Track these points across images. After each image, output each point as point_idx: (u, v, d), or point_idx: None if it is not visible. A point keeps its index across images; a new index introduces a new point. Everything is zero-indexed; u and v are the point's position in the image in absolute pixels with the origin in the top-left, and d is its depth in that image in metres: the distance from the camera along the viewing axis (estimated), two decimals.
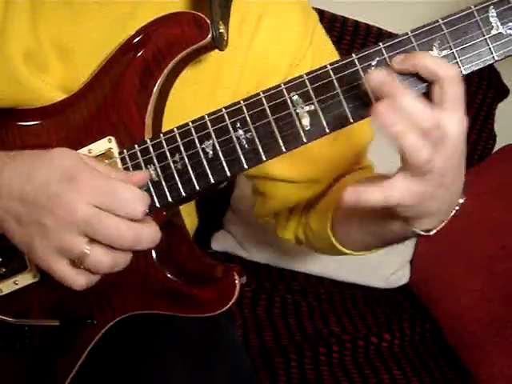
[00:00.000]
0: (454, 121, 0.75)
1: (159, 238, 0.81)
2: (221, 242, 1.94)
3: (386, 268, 1.96)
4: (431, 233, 0.88)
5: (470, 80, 2.09)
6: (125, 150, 0.87)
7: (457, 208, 0.87)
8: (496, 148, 2.23)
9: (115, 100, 0.88)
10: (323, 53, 1.00)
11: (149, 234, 0.80)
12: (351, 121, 0.81)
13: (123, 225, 0.77)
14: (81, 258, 0.78)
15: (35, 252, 0.80)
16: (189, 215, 1.16)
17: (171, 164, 0.85)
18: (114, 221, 0.77)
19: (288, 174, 1.08)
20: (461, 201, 0.87)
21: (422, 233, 0.87)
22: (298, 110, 0.81)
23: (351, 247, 1.07)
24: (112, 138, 0.87)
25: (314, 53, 1.03)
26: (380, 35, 2.03)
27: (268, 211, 1.21)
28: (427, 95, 0.77)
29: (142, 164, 0.86)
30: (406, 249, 1.98)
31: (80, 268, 0.79)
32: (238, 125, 0.82)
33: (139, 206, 0.78)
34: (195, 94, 0.99)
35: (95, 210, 0.77)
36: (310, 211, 1.15)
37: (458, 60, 0.79)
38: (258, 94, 0.82)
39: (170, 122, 0.87)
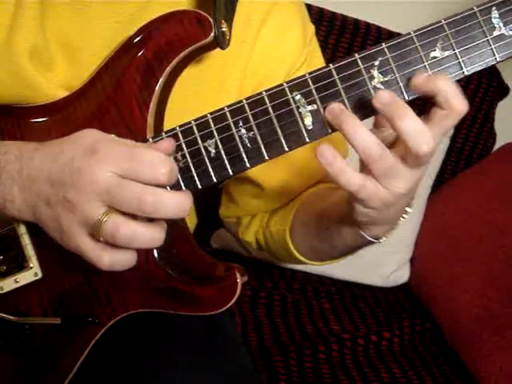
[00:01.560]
0: (435, 139, 0.78)
1: (188, 208, 0.79)
2: (220, 240, 1.94)
3: (385, 267, 1.96)
4: (380, 240, 0.92)
5: (469, 79, 2.09)
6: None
7: (405, 217, 0.90)
8: (496, 147, 2.23)
9: (117, 98, 0.88)
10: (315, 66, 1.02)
11: (172, 201, 0.77)
12: None
13: (143, 190, 0.75)
14: (98, 227, 0.76)
15: (63, 232, 0.79)
16: (189, 213, 1.16)
17: None
18: (133, 186, 0.75)
19: (260, 175, 1.10)
20: (409, 210, 0.89)
21: (372, 239, 0.91)
22: (300, 110, 0.81)
23: (306, 254, 1.09)
24: (114, 136, 0.87)
25: (307, 66, 1.05)
26: (380, 34, 2.03)
27: (231, 214, 1.23)
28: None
29: None
30: (406, 247, 1.99)
31: (100, 240, 0.77)
32: (241, 123, 0.82)
33: (162, 169, 0.76)
34: (198, 94, 0.99)
35: (116, 177, 0.75)
36: (271, 214, 1.17)
37: (460, 60, 0.79)
38: (260, 93, 0.82)
39: (173, 122, 0.87)
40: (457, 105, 0.76)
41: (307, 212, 1.08)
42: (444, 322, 1.84)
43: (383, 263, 1.95)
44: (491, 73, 2.13)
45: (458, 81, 0.79)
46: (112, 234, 0.76)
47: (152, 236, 0.78)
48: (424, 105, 0.76)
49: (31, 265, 0.90)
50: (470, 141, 2.19)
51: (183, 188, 0.85)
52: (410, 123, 0.75)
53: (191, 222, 1.21)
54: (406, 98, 0.80)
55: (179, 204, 0.78)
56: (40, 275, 0.90)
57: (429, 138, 0.75)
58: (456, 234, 1.97)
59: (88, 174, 0.76)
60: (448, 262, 1.92)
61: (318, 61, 1.10)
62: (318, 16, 1.99)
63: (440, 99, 0.76)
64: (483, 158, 2.20)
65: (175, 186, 0.84)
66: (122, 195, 0.75)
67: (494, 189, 2.02)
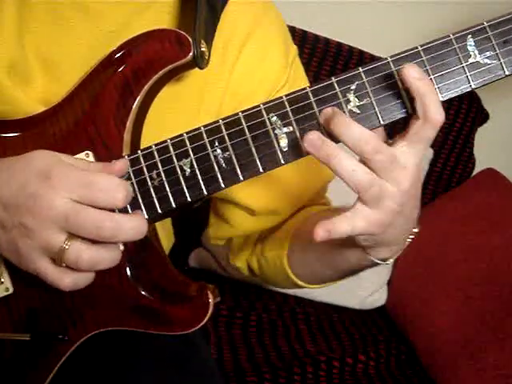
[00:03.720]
0: (415, 155, 0.78)
1: (145, 230, 0.80)
2: (198, 259, 1.94)
3: (363, 289, 1.96)
4: (388, 262, 0.90)
5: (450, 104, 2.11)
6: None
7: (411, 237, 0.89)
8: (475, 172, 2.25)
9: (94, 115, 0.88)
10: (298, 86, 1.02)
11: (130, 224, 0.78)
12: None
13: (101, 215, 0.76)
14: (60, 254, 0.77)
15: (21, 256, 0.79)
16: (165, 232, 1.16)
17: (148, 180, 0.85)
18: (91, 212, 0.76)
19: (250, 200, 1.09)
20: (415, 230, 0.89)
21: (380, 262, 0.90)
22: (276, 131, 0.81)
23: (305, 278, 1.08)
24: (90, 153, 0.87)
25: (290, 87, 1.04)
26: (362, 57, 2.05)
27: (222, 236, 1.22)
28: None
29: None
30: (384, 271, 1.99)
31: (62, 266, 0.78)
32: (216, 143, 0.82)
33: (118, 194, 0.77)
34: (177, 113, 0.99)
35: (72, 203, 0.76)
36: (265, 240, 1.15)
37: (436, 87, 0.80)
38: (236, 114, 0.82)
39: (150, 139, 0.87)
40: (435, 114, 0.77)
41: (305, 237, 1.05)
42: (420, 346, 1.85)
43: (360, 286, 1.95)
44: (471, 99, 2.15)
45: None
46: (75, 261, 0.77)
47: (112, 257, 0.80)
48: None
49: (2, 280, 0.89)
50: (450, 165, 2.20)
51: (157, 206, 0.85)
52: (350, 130, 0.76)
53: (168, 241, 1.21)
54: (382, 122, 0.80)
55: (136, 228, 0.79)
56: (11, 290, 0.89)
57: (369, 136, 0.76)
58: (434, 257, 1.98)
59: (44, 201, 0.76)
60: (425, 285, 1.93)
61: (301, 81, 1.10)
62: (302, 38, 2.01)
63: (420, 108, 0.77)
64: (462, 182, 2.22)
65: (148, 204, 0.85)
66: (80, 222, 0.76)
67: (472, 213, 2.04)
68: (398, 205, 0.79)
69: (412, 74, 0.76)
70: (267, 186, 0.95)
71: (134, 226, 0.79)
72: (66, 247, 0.77)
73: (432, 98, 0.76)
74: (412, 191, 0.80)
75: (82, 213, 0.76)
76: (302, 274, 1.07)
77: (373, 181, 0.76)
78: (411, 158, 0.78)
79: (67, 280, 0.80)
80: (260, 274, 1.19)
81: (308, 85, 0.82)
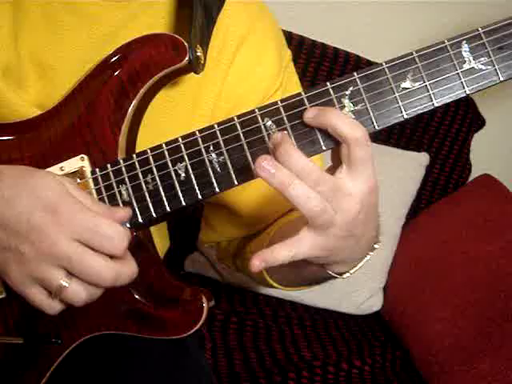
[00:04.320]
0: (357, 180, 0.77)
1: (137, 273, 0.81)
2: (194, 264, 1.94)
3: (358, 295, 1.96)
4: (344, 276, 0.91)
5: (446, 110, 2.11)
6: (97, 170, 0.86)
7: (371, 253, 0.89)
8: (471, 178, 2.25)
9: (89, 118, 0.88)
10: (290, 92, 1.02)
11: (128, 272, 0.80)
12: (323, 149, 0.81)
13: (104, 265, 0.77)
14: (58, 291, 0.77)
15: (9, 276, 0.79)
16: (160, 236, 1.16)
17: (143, 185, 0.85)
18: (95, 261, 0.76)
19: (235, 201, 1.10)
20: (376, 246, 0.90)
21: (337, 276, 0.90)
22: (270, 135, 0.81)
23: (279, 281, 1.09)
24: (85, 157, 0.87)
25: (283, 92, 1.05)
26: (359, 63, 2.05)
27: (209, 240, 1.24)
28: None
29: (114, 184, 0.85)
30: (379, 276, 1.99)
31: (55, 299, 0.78)
32: (211, 148, 0.82)
33: (121, 244, 0.77)
34: (172, 117, 0.99)
35: (77, 246, 0.76)
36: (249, 240, 1.17)
37: (430, 93, 0.80)
38: (232, 119, 0.82)
39: (146, 144, 0.87)
40: (350, 133, 0.75)
41: (279, 241, 1.07)
42: (415, 351, 1.84)
43: (356, 291, 1.95)
44: (468, 105, 2.16)
45: (436, 110, 0.80)
46: (72, 299, 0.78)
47: (102, 291, 0.81)
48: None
49: None
50: (446, 171, 2.21)
51: (152, 210, 0.85)
52: (293, 159, 0.75)
53: (163, 246, 1.21)
54: (376, 127, 0.80)
55: (132, 274, 0.80)
56: (4, 294, 0.89)
57: (311, 167, 0.75)
58: (429, 263, 1.98)
59: (48, 237, 0.76)
60: (420, 291, 1.93)
61: (294, 86, 1.10)
62: (299, 44, 2.01)
63: (332, 132, 0.76)
64: (458, 188, 2.22)
65: (143, 208, 0.85)
66: (83, 267, 0.76)
67: (467, 219, 2.04)
68: (345, 231, 0.79)
69: (306, 116, 0.78)
70: (252, 188, 0.95)
71: (132, 273, 0.80)
72: (66, 285, 0.77)
73: (337, 122, 0.76)
74: (361, 216, 0.79)
75: (87, 259, 0.76)
76: (275, 277, 1.08)
77: (324, 209, 0.76)
78: (355, 183, 0.77)
79: (55, 309, 0.80)
80: (243, 272, 1.22)
81: (301, 90, 0.82)
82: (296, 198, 0.75)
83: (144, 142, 0.88)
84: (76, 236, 0.76)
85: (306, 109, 0.80)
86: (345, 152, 0.77)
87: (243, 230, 1.17)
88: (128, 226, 0.85)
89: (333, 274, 0.90)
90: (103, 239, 0.76)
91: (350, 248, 0.83)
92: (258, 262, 0.78)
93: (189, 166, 0.83)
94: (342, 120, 0.76)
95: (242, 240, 1.19)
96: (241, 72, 1.02)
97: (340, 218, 0.77)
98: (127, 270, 0.80)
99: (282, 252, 0.79)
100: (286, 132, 0.80)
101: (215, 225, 1.18)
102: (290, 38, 1.98)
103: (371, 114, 0.80)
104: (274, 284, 1.10)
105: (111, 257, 0.78)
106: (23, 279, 0.78)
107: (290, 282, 1.08)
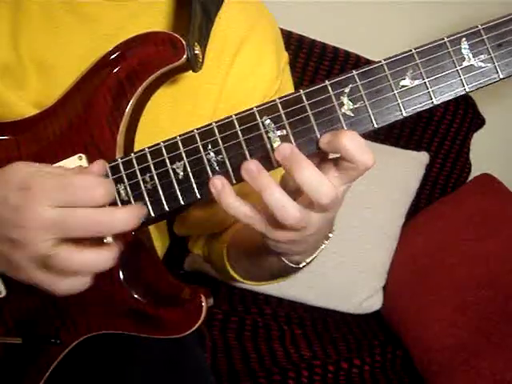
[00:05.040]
0: (339, 182, 0.78)
1: (138, 220, 0.79)
2: (194, 264, 1.93)
3: (358, 294, 1.96)
4: (300, 265, 0.93)
5: (446, 109, 2.11)
6: None
7: (326, 242, 0.91)
8: (471, 177, 2.25)
9: (87, 117, 0.88)
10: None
11: (124, 215, 0.78)
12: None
13: (90, 213, 0.76)
14: (50, 261, 0.76)
15: (15, 268, 0.79)
16: (160, 235, 1.16)
17: (141, 183, 0.84)
18: (78, 213, 0.76)
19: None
20: (330, 235, 0.91)
21: (292, 265, 0.92)
22: (269, 134, 0.81)
23: (242, 274, 1.10)
24: (83, 156, 0.87)
25: (279, 93, 1.04)
26: (358, 61, 2.05)
27: (180, 233, 1.26)
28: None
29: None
30: (379, 275, 1.99)
31: (52, 272, 0.78)
32: (210, 146, 0.82)
33: (96, 191, 0.76)
34: (171, 116, 0.99)
35: (57, 210, 0.75)
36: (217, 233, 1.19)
37: (429, 90, 0.79)
38: (230, 117, 0.82)
39: (145, 142, 0.86)
40: (360, 160, 0.75)
41: (241, 234, 1.09)
42: (415, 351, 1.84)
43: (356, 290, 1.95)
44: (467, 104, 2.16)
45: (436, 110, 0.79)
46: (66, 265, 0.77)
47: (105, 259, 0.78)
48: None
49: None
50: (445, 171, 2.21)
51: (150, 209, 0.84)
52: (309, 176, 0.75)
53: (162, 244, 1.21)
54: (376, 125, 0.80)
55: (128, 217, 0.79)
56: (3, 293, 0.89)
57: (328, 189, 0.75)
58: (429, 262, 1.97)
59: (27, 212, 0.75)
60: (420, 290, 1.92)
61: (289, 89, 1.11)
62: (298, 43, 2.01)
63: (344, 156, 0.76)
64: (458, 187, 2.22)
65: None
66: (68, 224, 0.76)
67: (467, 218, 2.04)
68: (317, 229, 0.80)
69: (321, 141, 0.79)
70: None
71: (125, 216, 0.78)
72: (54, 253, 0.76)
73: (354, 150, 0.75)
74: (331, 216, 0.81)
75: (70, 215, 0.76)
76: (237, 268, 1.10)
77: (301, 219, 0.76)
78: (339, 189, 0.78)
79: (61, 286, 0.79)
80: (212, 265, 1.23)
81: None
82: (272, 203, 0.75)
83: (142, 142, 0.88)
84: (52, 201, 0.75)
85: (304, 106, 0.80)
86: (345, 167, 0.76)
87: (212, 228, 1.18)
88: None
89: (289, 264, 0.91)
90: (78, 192, 0.76)
91: (311, 241, 0.84)
92: (219, 182, 0.78)
93: (187, 165, 0.83)
94: (358, 145, 0.75)
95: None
96: (241, 73, 1.02)
97: (317, 219, 0.79)
98: (121, 213, 0.78)
99: (242, 206, 0.79)
100: (287, 135, 0.80)
101: (189, 220, 1.19)
102: (289, 37, 1.98)
103: (370, 111, 0.80)
104: (236, 276, 1.11)
105: None
106: (25, 264, 0.78)
107: (252, 275, 1.09)
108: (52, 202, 0.75)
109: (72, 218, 0.75)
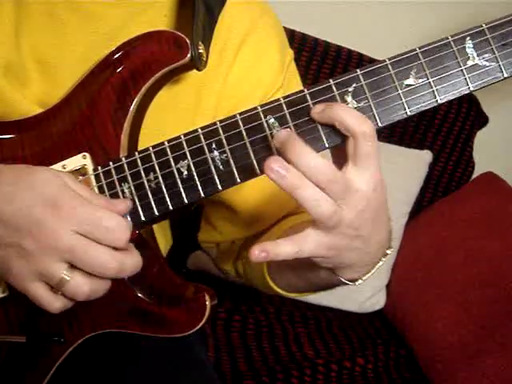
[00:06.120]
0: (364, 176, 0.76)
1: (141, 265, 0.81)
2: (197, 262, 1.93)
3: (361, 293, 1.96)
4: (357, 283, 0.88)
5: (449, 108, 2.11)
6: (99, 167, 0.86)
7: (384, 259, 0.87)
8: (474, 175, 2.25)
9: (91, 116, 0.88)
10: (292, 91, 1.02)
11: (132, 263, 0.79)
12: (326, 146, 0.81)
13: (108, 255, 0.76)
14: (60, 285, 0.77)
15: (11, 273, 0.79)
16: (163, 234, 1.16)
17: (145, 183, 0.84)
18: (99, 251, 0.76)
19: (233, 199, 1.08)
20: (389, 252, 0.88)
21: (348, 282, 0.88)
22: (273, 133, 0.81)
23: (284, 288, 1.07)
24: (87, 155, 0.87)
25: (284, 91, 1.04)
26: (361, 60, 2.05)
27: (209, 240, 1.22)
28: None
29: (116, 182, 0.85)
30: (382, 274, 1.98)
31: (57, 293, 0.78)
32: (214, 146, 0.82)
33: (124, 235, 0.77)
34: (174, 115, 0.99)
35: (80, 238, 0.76)
36: (250, 244, 1.13)
37: (434, 89, 0.79)
38: (234, 116, 0.82)
39: (148, 142, 0.87)
40: (357, 126, 0.74)
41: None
42: (418, 349, 1.84)
43: (359, 289, 1.93)
44: (471, 102, 2.15)
45: (439, 108, 0.79)
46: (74, 293, 0.78)
47: (106, 287, 0.80)
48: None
49: None
50: (449, 169, 2.20)
51: (154, 208, 0.84)
52: (305, 157, 0.73)
53: (166, 243, 1.21)
54: (380, 124, 0.80)
55: (137, 265, 0.80)
56: (6, 292, 0.89)
57: (323, 166, 0.73)
58: (432, 261, 1.97)
59: (50, 230, 0.75)
60: (424, 289, 1.92)
61: (295, 86, 1.09)
62: (301, 41, 2.01)
63: (339, 126, 0.75)
64: (461, 186, 2.22)
65: (145, 206, 0.84)
66: (86, 259, 0.76)
67: (470, 217, 2.04)
68: (352, 229, 0.77)
69: (313, 111, 0.78)
70: (251, 187, 0.94)
71: (134, 264, 0.80)
72: (68, 278, 0.76)
73: (345, 115, 0.75)
74: (366, 215, 0.78)
75: (90, 249, 0.76)
76: (279, 282, 1.06)
77: (335, 211, 0.74)
78: (363, 181, 0.76)
79: (57, 306, 0.80)
80: (245, 278, 1.19)
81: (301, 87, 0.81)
82: (306, 200, 0.73)
83: (146, 141, 0.88)
84: (77, 229, 0.76)
85: (308, 105, 0.80)
86: (351, 147, 0.76)
87: (244, 229, 1.15)
88: (129, 219, 0.85)
89: (344, 281, 0.87)
90: (105, 231, 0.76)
91: (358, 250, 0.81)
92: (257, 252, 0.76)
93: (191, 164, 0.83)
94: (350, 114, 0.76)
95: (244, 243, 1.18)
96: (243, 70, 1.02)
97: (347, 216, 0.76)
98: (131, 260, 0.79)
99: (286, 247, 0.77)
100: (290, 130, 0.80)
101: (215, 223, 1.17)
102: (292, 35, 1.98)
103: (374, 110, 0.80)
104: (277, 289, 1.07)
105: (115, 249, 0.78)
106: (26, 275, 0.78)
107: (296, 288, 1.05)
108: (77, 228, 0.76)
109: (91, 255, 0.76)
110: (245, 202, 1.08)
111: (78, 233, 0.76)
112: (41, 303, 0.79)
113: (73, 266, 0.77)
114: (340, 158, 0.79)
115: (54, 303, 0.79)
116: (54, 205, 0.76)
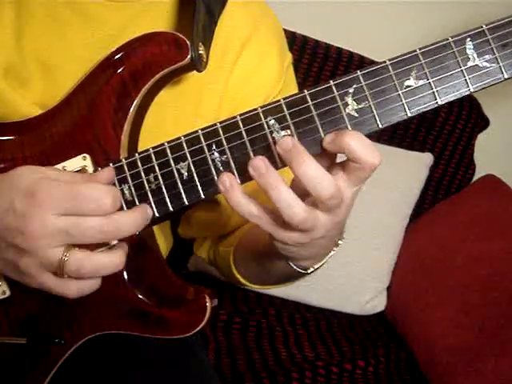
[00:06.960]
0: (350, 188, 0.77)
1: (143, 222, 0.81)
2: (198, 264, 1.93)
3: (362, 295, 1.96)
4: (308, 271, 0.92)
5: (450, 110, 2.11)
6: (99, 169, 0.86)
7: (336, 249, 0.90)
8: (475, 178, 2.25)
9: (91, 117, 0.88)
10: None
11: (127, 221, 0.79)
12: None
13: (99, 221, 0.77)
14: (61, 267, 0.77)
15: (23, 274, 0.80)
16: (163, 235, 1.16)
17: (145, 184, 0.84)
18: (88, 222, 0.76)
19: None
20: (340, 242, 0.90)
21: (300, 270, 0.91)
22: (274, 135, 0.81)
23: (247, 277, 1.10)
24: (87, 156, 0.87)
25: (282, 94, 1.04)
26: (362, 62, 2.05)
27: (186, 235, 1.25)
28: None
29: (116, 183, 0.85)
30: (383, 276, 1.99)
31: (64, 277, 0.78)
32: (214, 147, 0.82)
33: (105, 200, 0.77)
34: (175, 117, 0.99)
35: (66, 218, 0.76)
36: (223, 236, 1.18)
37: (434, 90, 0.79)
38: (234, 117, 0.81)
39: (148, 143, 0.86)
40: (366, 160, 0.74)
41: (248, 237, 1.08)
42: (419, 352, 1.84)
43: (360, 291, 1.95)
44: (471, 105, 2.15)
45: (440, 111, 0.79)
46: (77, 271, 0.78)
47: (115, 262, 0.80)
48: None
49: None
50: (450, 171, 2.20)
51: (155, 210, 0.84)
52: (309, 168, 0.74)
53: (167, 244, 1.21)
54: (380, 125, 0.80)
55: (135, 221, 0.80)
56: (8, 293, 0.89)
57: (328, 183, 0.73)
58: (433, 263, 1.97)
59: (34, 220, 0.76)
60: (424, 291, 1.92)
61: (292, 90, 1.10)
62: (302, 44, 2.01)
63: (348, 155, 0.75)
64: (462, 188, 2.22)
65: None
66: (79, 233, 0.76)
67: (471, 220, 2.03)
68: (325, 231, 0.79)
69: (325, 141, 0.78)
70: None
71: (131, 220, 0.80)
72: (66, 259, 0.77)
73: (354, 145, 0.74)
74: (342, 218, 0.80)
75: (80, 224, 0.76)
76: (243, 272, 1.09)
77: (308, 218, 0.75)
78: (348, 192, 0.77)
79: (72, 289, 0.80)
80: (215, 266, 1.22)
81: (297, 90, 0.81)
82: (278, 202, 0.74)
83: (146, 142, 0.88)
84: (59, 211, 0.76)
85: (308, 106, 0.80)
86: (353, 168, 0.76)
87: (216, 231, 1.18)
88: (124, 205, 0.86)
89: (297, 269, 0.90)
90: (86, 202, 0.76)
91: (319, 245, 0.83)
92: (227, 179, 0.77)
93: (191, 165, 0.83)
94: (361, 144, 0.75)
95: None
96: (245, 72, 1.02)
97: (327, 222, 0.78)
98: (126, 218, 0.79)
99: (250, 207, 0.78)
100: (292, 135, 0.80)
101: (192, 221, 1.19)
102: (293, 38, 1.98)
103: (375, 112, 0.79)
104: (241, 279, 1.10)
105: None
106: (33, 271, 0.78)
107: (258, 279, 1.09)
108: (59, 210, 0.76)
109: (79, 228, 0.76)
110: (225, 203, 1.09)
111: (63, 214, 0.76)
112: (57, 293, 0.80)
113: (70, 246, 0.77)
114: (327, 156, 0.80)
115: (68, 288, 0.80)
116: (32, 194, 0.76)
